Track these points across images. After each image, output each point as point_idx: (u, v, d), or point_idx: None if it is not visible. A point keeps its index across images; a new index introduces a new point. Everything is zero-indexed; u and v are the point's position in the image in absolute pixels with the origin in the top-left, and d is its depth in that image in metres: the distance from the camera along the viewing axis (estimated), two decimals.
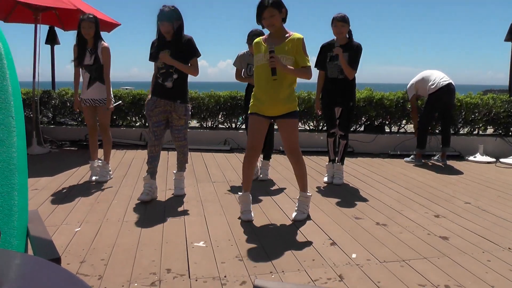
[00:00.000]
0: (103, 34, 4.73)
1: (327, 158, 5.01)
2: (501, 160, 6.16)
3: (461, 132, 6.98)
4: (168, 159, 5.88)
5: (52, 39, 7.72)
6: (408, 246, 2.99)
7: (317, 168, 5.58)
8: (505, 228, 3.40)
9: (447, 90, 5.75)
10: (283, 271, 2.58)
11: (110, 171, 4.88)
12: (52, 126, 7.28)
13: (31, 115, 6.51)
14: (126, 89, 9.59)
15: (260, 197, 4.17)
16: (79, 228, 3.27)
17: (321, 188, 4.64)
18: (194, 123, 7.55)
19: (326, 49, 4.65)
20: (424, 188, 4.66)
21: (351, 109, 4.69)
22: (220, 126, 7.42)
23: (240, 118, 7.23)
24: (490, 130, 7.04)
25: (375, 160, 6.25)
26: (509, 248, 2.97)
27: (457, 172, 5.52)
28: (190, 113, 4.12)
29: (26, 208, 1.63)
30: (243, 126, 6.74)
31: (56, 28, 7.60)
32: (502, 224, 3.50)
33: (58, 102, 7.34)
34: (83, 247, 2.91)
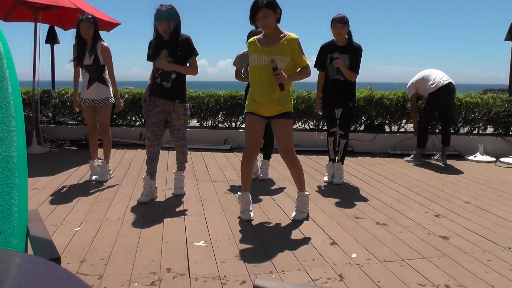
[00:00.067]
0: (102, 33, 4.73)
1: (327, 157, 5.01)
2: (501, 159, 6.16)
3: (461, 131, 6.98)
4: (168, 159, 5.88)
5: (52, 39, 7.72)
6: (408, 246, 2.99)
7: (317, 168, 5.58)
8: (505, 227, 3.40)
9: (447, 89, 5.75)
10: (283, 271, 2.58)
11: (110, 170, 4.88)
12: (52, 126, 7.28)
13: (31, 114, 6.51)
14: (126, 88, 9.58)
15: (260, 197, 4.17)
16: (79, 228, 3.27)
17: (321, 187, 4.64)
18: (194, 122, 7.55)
19: (326, 50, 4.63)
20: (424, 187, 4.66)
21: (351, 109, 4.69)
22: (220, 125, 7.42)
23: (240, 118, 7.23)
24: (490, 130, 7.03)
25: (375, 159, 6.25)
26: (509, 248, 2.97)
27: (457, 172, 5.52)
28: (189, 112, 4.12)
29: (26, 207, 1.63)
30: (243, 126, 6.74)
31: (56, 28, 7.60)
32: (502, 223, 3.50)
33: (58, 102, 7.33)
34: (83, 246, 2.91)
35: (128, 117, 7.38)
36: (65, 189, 4.39)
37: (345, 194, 4.34)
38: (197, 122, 7.42)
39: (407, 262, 2.73)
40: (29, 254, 1.26)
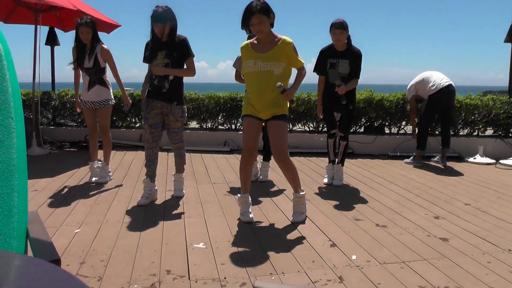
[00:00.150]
0: (102, 35, 4.74)
1: (327, 159, 5.01)
2: (501, 161, 6.16)
3: (461, 133, 6.98)
4: (167, 161, 5.88)
5: (52, 40, 7.73)
6: (408, 248, 2.99)
7: (317, 169, 5.58)
8: (505, 229, 3.40)
9: (447, 91, 5.75)
10: (283, 273, 2.58)
11: (110, 172, 4.88)
12: (52, 127, 7.28)
13: (31, 116, 6.51)
14: (126, 90, 9.57)
15: (260, 198, 4.17)
16: (79, 229, 3.27)
17: (321, 189, 4.64)
18: (194, 124, 7.55)
19: (325, 54, 4.62)
20: (424, 189, 4.66)
21: (351, 112, 4.69)
22: (220, 127, 7.41)
23: (240, 119, 7.23)
24: (489, 131, 7.04)
25: (375, 161, 6.25)
26: (509, 250, 2.97)
27: (457, 174, 5.52)
28: (186, 115, 4.10)
29: (26, 209, 1.63)
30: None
31: (56, 29, 7.61)
32: (502, 225, 3.50)
33: (58, 103, 7.34)
34: (83, 248, 2.90)
35: (128, 119, 7.38)
36: (65, 190, 4.39)
37: (345, 196, 4.34)
38: (197, 124, 7.42)
39: (407, 264, 2.72)
40: (29, 256, 1.26)
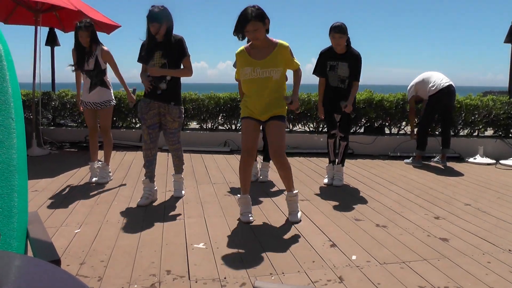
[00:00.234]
0: (102, 35, 4.74)
1: (327, 159, 5.01)
2: (501, 161, 6.16)
3: (461, 133, 6.98)
4: (167, 161, 5.88)
5: (52, 41, 7.74)
6: (408, 248, 2.99)
7: (317, 170, 5.58)
8: (505, 229, 3.40)
9: (447, 91, 5.75)
10: (283, 273, 2.58)
11: (110, 172, 4.88)
12: (52, 128, 7.28)
13: (31, 116, 6.51)
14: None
15: (260, 199, 4.17)
16: (79, 230, 3.27)
17: (321, 189, 4.64)
18: (194, 124, 7.55)
19: (325, 56, 4.62)
20: (424, 189, 4.66)
21: (351, 114, 4.69)
22: (220, 127, 7.41)
23: (240, 120, 7.23)
24: (490, 132, 7.04)
25: (375, 161, 6.25)
26: (509, 250, 2.97)
27: (457, 174, 5.52)
28: (183, 115, 4.07)
29: (26, 209, 1.63)
30: None
31: (56, 30, 7.61)
32: (502, 225, 3.50)
33: (58, 104, 7.34)
34: (83, 248, 2.90)
35: (128, 119, 7.38)
36: (65, 191, 4.39)
37: (345, 196, 4.34)
38: (197, 124, 7.42)
39: (407, 264, 2.72)
40: (29, 256, 1.26)
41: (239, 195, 3.60)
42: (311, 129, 7.21)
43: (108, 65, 4.67)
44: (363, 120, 6.98)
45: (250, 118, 3.51)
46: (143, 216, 3.65)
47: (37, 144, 6.37)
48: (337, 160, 4.84)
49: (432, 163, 6.11)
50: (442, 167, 5.90)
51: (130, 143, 7.05)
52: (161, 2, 3.86)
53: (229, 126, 7.33)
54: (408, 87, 6.24)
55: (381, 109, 6.80)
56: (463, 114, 6.73)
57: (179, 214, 3.71)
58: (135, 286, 2.39)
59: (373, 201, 4.19)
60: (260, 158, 5.01)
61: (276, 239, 3.16)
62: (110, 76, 4.75)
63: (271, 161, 5.02)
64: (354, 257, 2.82)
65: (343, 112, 4.61)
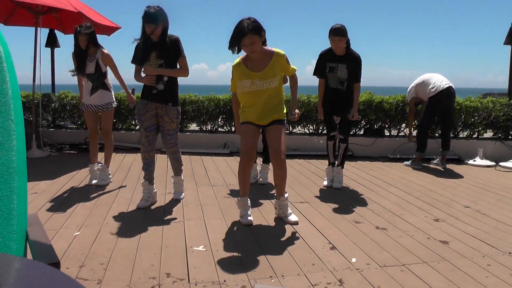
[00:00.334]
0: (103, 37, 4.74)
1: (326, 161, 5.01)
2: (501, 163, 6.16)
3: (460, 135, 6.98)
4: (167, 163, 5.87)
5: (52, 42, 7.74)
6: (408, 250, 2.99)
7: (317, 172, 5.57)
8: (505, 232, 3.40)
9: (447, 93, 5.76)
10: (282, 276, 2.58)
11: (110, 174, 4.87)
12: (51, 129, 7.28)
13: (31, 118, 6.51)
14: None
15: (260, 201, 4.17)
16: (79, 232, 3.27)
17: (321, 191, 4.63)
18: (193, 126, 7.55)
19: (324, 58, 4.62)
20: (423, 192, 4.65)
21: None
22: (219, 129, 7.41)
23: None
24: (489, 134, 7.04)
25: (374, 163, 6.25)
26: (509, 253, 2.97)
27: (457, 176, 5.52)
28: (180, 116, 4.05)
29: (25, 212, 1.62)
30: None
31: (56, 31, 7.61)
32: (502, 228, 3.50)
33: (58, 105, 7.34)
34: (83, 251, 2.90)
35: (128, 121, 7.38)
36: (64, 193, 4.39)
37: (344, 199, 4.34)
38: (197, 126, 7.41)
39: (407, 266, 2.72)
40: (28, 259, 1.26)
41: (238, 198, 3.60)
42: (310, 131, 7.21)
43: (108, 67, 4.68)
44: (362, 122, 6.98)
45: (250, 122, 3.54)
46: (143, 218, 3.64)
47: (36, 146, 6.37)
48: (336, 162, 4.84)
49: (431, 165, 6.11)
50: (442, 169, 5.90)
51: (130, 145, 7.04)
52: (160, 3, 3.85)
53: (229, 128, 7.33)
54: (408, 89, 6.24)
55: (381, 111, 6.80)
56: (463, 116, 6.74)
57: (179, 217, 3.70)
58: None
59: (373, 203, 4.18)
60: (259, 160, 5.00)
61: (275, 241, 3.15)
62: (110, 77, 4.76)
63: (270, 163, 5.02)
64: (354, 260, 2.81)
65: (344, 115, 4.62)
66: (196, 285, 2.44)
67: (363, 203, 4.20)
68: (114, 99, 4.81)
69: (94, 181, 4.74)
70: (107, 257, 2.81)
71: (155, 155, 4.13)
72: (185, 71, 3.95)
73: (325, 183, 4.88)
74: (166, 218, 3.66)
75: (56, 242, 3.04)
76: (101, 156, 4.95)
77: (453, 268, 2.71)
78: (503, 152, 6.50)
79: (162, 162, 5.83)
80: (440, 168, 5.98)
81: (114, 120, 7.15)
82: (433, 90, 5.77)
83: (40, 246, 1.46)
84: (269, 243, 3.09)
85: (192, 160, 6.18)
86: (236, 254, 2.90)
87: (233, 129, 7.32)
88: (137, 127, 7.42)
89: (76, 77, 4.79)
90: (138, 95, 7.33)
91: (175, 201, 4.15)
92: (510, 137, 6.77)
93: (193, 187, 4.70)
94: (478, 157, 6.32)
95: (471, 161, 6.31)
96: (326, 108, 4.73)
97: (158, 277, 2.53)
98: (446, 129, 6.10)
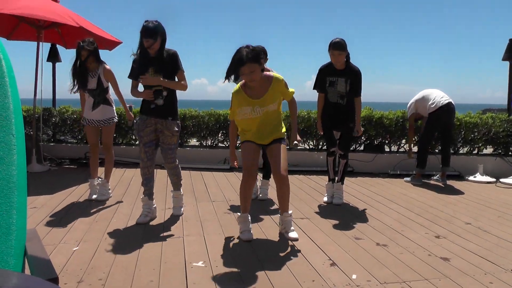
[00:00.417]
0: (105, 52, 4.77)
1: (326, 177, 4.99)
2: (501, 180, 6.15)
3: (460, 151, 6.98)
4: (167, 178, 5.85)
5: (53, 57, 7.79)
6: (408, 267, 2.96)
7: (317, 188, 5.56)
8: (507, 249, 3.38)
9: (447, 109, 5.77)
10: None
11: (109, 189, 4.86)
12: (52, 144, 7.28)
13: (31, 132, 6.51)
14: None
15: (260, 216, 4.15)
16: (77, 247, 3.25)
17: (321, 208, 4.61)
18: (193, 141, 7.55)
19: (324, 72, 4.65)
20: (424, 208, 4.63)
21: (351, 130, 4.69)
22: (220, 144, 7.41)
23: (239, 141, 7.22)
24: (489, 150, 7.03)
25: (375, 179, 6.24)
26: (511, 270, 2.94)
27: (457, 192, 5.51)
28: (180, 129, 4.03)
29: (25, 226, 1.62)
30: None
31: (57, 46, 7.66)
32: (503, 245, 3.48)
33: (58, 120, 7.35)
34: (81, 266, 2.88)
35: (128, 136, 7.39)
36: (64, 208, 4.37)
37: (345, 215, 4.32)
38: (197, 141, 7.42)
39: (407, 283, 2.70)
40: (26, 274, 1.25)
41: (239, 213, 3.58)
42: (311, 146, 7.21)
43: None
44: (362, 137, 6.98)
45: (250, 141, 3.56)
46: (142, 233, 3.62)
47: (37, 160, 6.36)
48: (337, 178, 4.83)
49: (432, 181, 6.10)
50: (442, 185, 5.89)
51: (130, 160, 7.03)
52: (161, 18, 3.87)
53: (229, 143, 7.32)
54: (408, 105, 6.26)
55: (381, 127, 6.81)
56: (463, 132, 6.74)
57: (179, 232, 3.68)
58: None
59: (373, 219, 4.16)
60: (259, 176, 4.99)
61: (275, 257, 3.13)
62: (111, 92, 4.77)
63: (271, 179, 5.01)
64: (354, 277, 2.79)
65: (344, 129, 4.63)
66: None
67: (364, 219, 4.18)
68: (115, 114, 4.82)
69: (94, 196, 4.73)
70: (106, 272, 2.78)
71: (155, 170, 4.12)
72: (183, 85, 3.96)
73: (325, 199, 4.86)
74: (165, 233, 3.64)
75: (55, 257, 3.02)
76: (101, 171, 4.94)
77: (455, 285, 2.68)
78: (504, 168, 6.49)
79: (161, 177, 5.81)
80: (440, 184, 5.97)
81: (115, 135, 7.15)
82: (433, 106, 5.79)
83: (38, 261, 1.45)
84: (269, 259, 3.07)
85: (192, 176, 6.17)
86: (235, 270, 2.87)
87: None
88: (137, 142, 7.41)
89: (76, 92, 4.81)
90: (135, 111, 7.37)
91: (175, 217, 4.13)
92: (510, 153, 6.76)
93: (193, 202, 4.69)
94: (478, 173, 6.31)
95: (471, 177, 6.30)
96: (326, 122, 4.74)
97: None
98: (446, 145, 6.10)
